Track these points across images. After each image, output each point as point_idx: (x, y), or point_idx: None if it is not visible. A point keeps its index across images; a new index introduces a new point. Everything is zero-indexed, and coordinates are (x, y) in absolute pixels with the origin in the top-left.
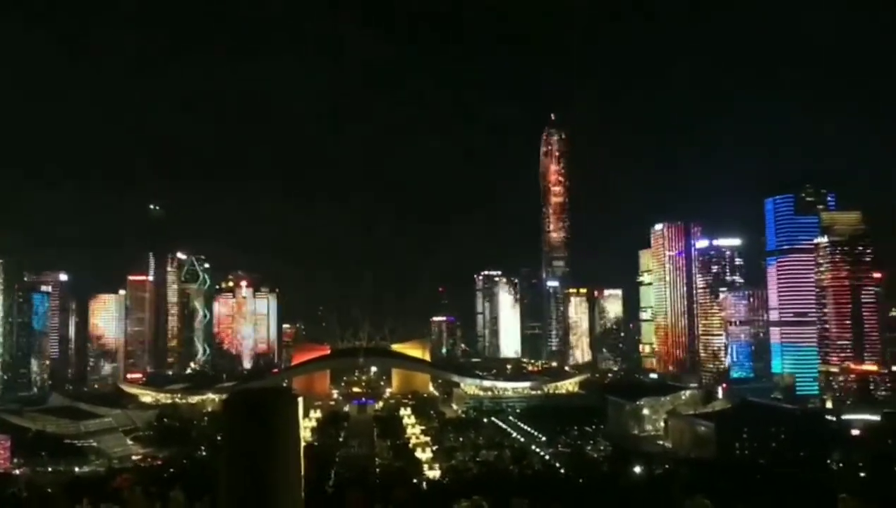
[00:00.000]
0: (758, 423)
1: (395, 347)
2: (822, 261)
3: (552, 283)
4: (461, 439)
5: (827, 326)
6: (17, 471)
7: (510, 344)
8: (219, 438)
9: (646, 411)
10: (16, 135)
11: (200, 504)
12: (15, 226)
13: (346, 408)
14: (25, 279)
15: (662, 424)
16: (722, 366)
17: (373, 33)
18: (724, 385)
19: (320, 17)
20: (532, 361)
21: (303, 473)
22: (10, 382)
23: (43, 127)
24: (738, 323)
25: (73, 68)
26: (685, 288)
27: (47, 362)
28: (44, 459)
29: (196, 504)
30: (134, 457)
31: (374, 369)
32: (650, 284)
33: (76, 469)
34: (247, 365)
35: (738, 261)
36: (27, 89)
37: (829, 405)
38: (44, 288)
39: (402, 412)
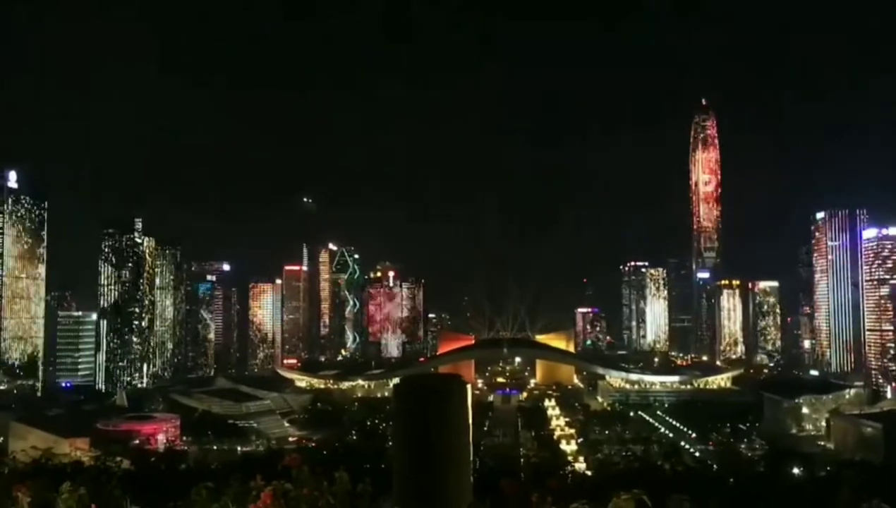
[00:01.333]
0: None
1: (539, 338)
2: None
3: (702, 275)
4: (607, 432)
5: None
6: (187, 448)
7: (657, 336)
8: (367, 422)
9: (805, 409)
10: (189, 141)
11: (363, 485)
12: (183, 218)
13: (490, 398)
14: (193, 269)
15: (824, 424)
16: (891, 364)
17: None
18: (894, 384)
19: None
20: (680, 355)
21: (471, 458)
22: (180, 364)
23: (213, 134)
24: None
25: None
26: (851, 280)
27: (212, 346)
28: (209, 437)
29: (359, 484)
30: (290, 439)
31: (518, 359)
32: (812, 276)
33: (238, 448)
34: (394, 353)
35: None
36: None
37: None
38: (209, 277)
39: (546, 403)
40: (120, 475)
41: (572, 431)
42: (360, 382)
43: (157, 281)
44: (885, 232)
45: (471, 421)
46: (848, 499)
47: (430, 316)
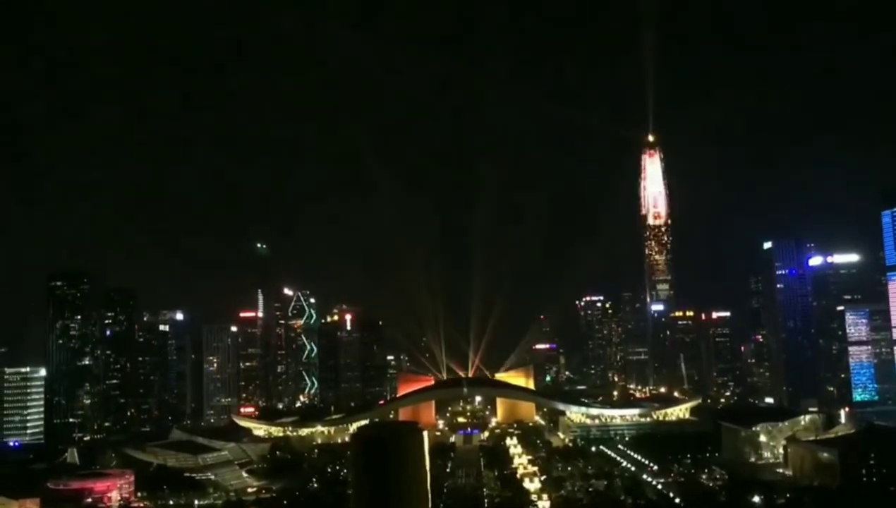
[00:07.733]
0: (886, 449)
1: (499, 376)
2: None
3: (657, 307)
4: (569, 468)
5: None
6: (142, 504)
7: (615, 370)
8: (328, 469)
9: (762, 437)
10: (135, 180)
11: None
12: (133, 267)
13: (452, 439)
14: (145, 319)
15: (781, 451)
16: (844, 389)
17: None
18: (847, 408)
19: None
20: (639, 387)
21: (430, 502)
22: (134, 417)
23: (157, 172)
24: (859, 342)
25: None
26: (800, 308)
27: (166, 397)
28: (165, 492)
29: None
30: (249, 490)
31: (478, 398)
32: (762, 304)
33: (196, 501)
34: (354, 397)
35: (856, 278)
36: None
37: None
38: (161, 326)
39: (508, 441)
40: None
41: (535, 469)
42: (320, 428)
43: (108, 332)
44: (830, 259)
45: (428, 466)
46: None
47: (389, 357)
